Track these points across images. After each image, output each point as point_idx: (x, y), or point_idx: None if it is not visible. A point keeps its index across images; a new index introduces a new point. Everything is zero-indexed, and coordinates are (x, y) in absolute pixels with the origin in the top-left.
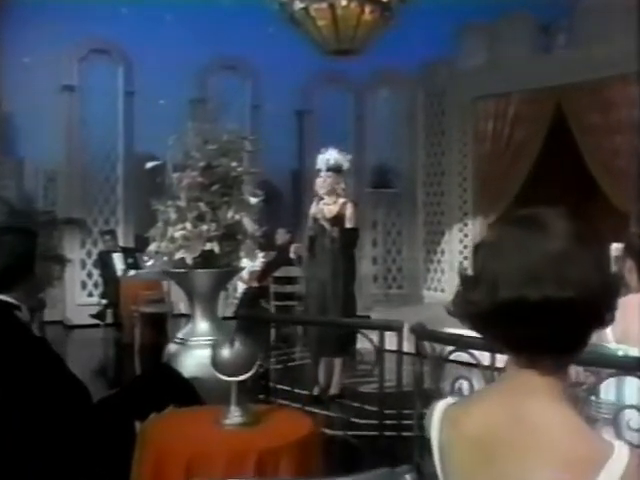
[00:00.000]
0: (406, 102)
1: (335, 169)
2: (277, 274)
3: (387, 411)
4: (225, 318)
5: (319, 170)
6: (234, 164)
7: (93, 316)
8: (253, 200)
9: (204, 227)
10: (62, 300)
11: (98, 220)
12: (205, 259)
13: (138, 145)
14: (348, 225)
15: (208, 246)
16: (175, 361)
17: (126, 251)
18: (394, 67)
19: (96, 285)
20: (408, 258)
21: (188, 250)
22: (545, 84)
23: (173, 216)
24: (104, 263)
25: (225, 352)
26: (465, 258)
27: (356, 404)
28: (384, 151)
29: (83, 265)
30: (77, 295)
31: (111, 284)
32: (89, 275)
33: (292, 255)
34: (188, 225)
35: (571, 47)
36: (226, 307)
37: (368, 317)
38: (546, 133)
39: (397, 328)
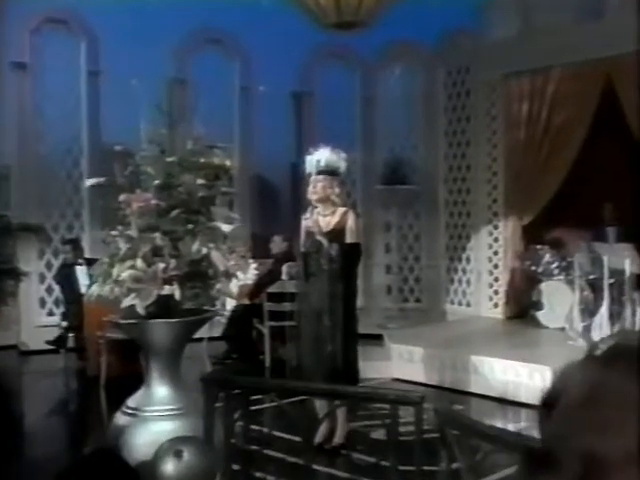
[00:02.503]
0: (423, 82)
1: (328, 172)
2: (272, 289)
3: (403, 467)
4: (213, 339)
5: (309, 174)
6: (200, 181)
7: (50, 342)
8: (226, 228)
9: (161, 265)
10: (17, 321)
11: (59, 226)
12: (163, 306)
13: (106, 135)
14: (349, 239)
15: (167, 290)
16: (124, 438)
17: (92, 263)
18: (409, 40)
19: (57, 303)
20: (427, 266)
21: (140, 295)
22: (592, 56)
23: (122, 249)
24: (65, 278)
25: (169, 467)
26: (495, 267)
27: (366, 456)
28: (398, 140)
29: (42, 279)
30: (34, 315)
31: (73, 303)
32: (49, 291)
33: (284, 276)
34: (139, 262)
35: (625, 11)
36: (212, 326)
37: (379, 337)
38: (593, 115)
39: (415, 402)
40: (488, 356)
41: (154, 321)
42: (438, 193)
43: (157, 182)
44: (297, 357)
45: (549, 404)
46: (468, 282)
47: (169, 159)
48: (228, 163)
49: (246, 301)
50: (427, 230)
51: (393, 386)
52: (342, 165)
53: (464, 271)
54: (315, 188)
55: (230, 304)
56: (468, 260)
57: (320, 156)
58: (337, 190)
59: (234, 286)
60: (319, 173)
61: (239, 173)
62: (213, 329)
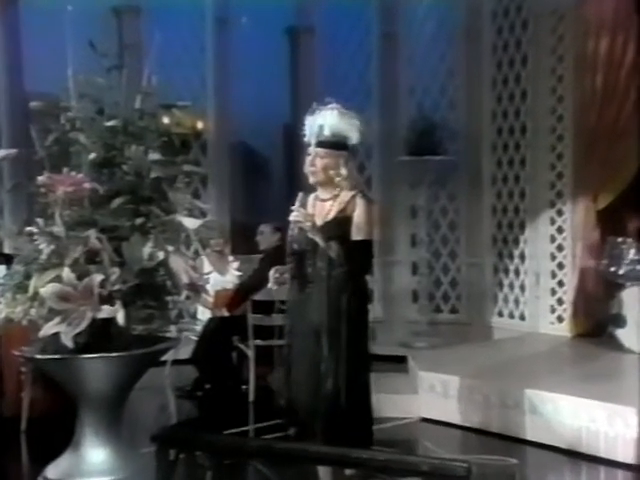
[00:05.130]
0: (463, 12)
1: (332, 144)
2: (259, 297)
3: None
4: (179, 362)
5: (307, 144)
6: (154, 156)
7: None
8: (191, 223)
9: (97, 277)
10: None
11: None
12: (100, 335)
13: (31, 85)
14: (357, 236)
15: (105, 311)
16: None
17: (11, 260)
18: None
19: None
20: (467, 265)
21: (67, 319)
22: None
23: (42, 253)
24: None
25: None
26: (559, 266)
27: None
28: (428, 94)
29: None
30: None
31: None
32: None
33: (272, 285)
34: (67, 273)
35: None
36: (181, 346)
37: (403, 360)
38: None
39: (460, 477)
40: (551, 391)
41: (87, 356)
42: (482, 166)
43: (92, 156)
44: (288, 393)
45: None
46: (522, 287)
47: (109, 123)
48: (199, 126)
49: (224, 312)
50: (467, 216)
51: (421, 430)
52: (354, 135)
53: (517, 272)
54: (314, 165)
55: (203, 315)
56: (522, 257)
57: (324, 120)
58: (344, 171)
59: (210, 287)
60: (320, 144)
61: (214, 140)
62: (179, 349)
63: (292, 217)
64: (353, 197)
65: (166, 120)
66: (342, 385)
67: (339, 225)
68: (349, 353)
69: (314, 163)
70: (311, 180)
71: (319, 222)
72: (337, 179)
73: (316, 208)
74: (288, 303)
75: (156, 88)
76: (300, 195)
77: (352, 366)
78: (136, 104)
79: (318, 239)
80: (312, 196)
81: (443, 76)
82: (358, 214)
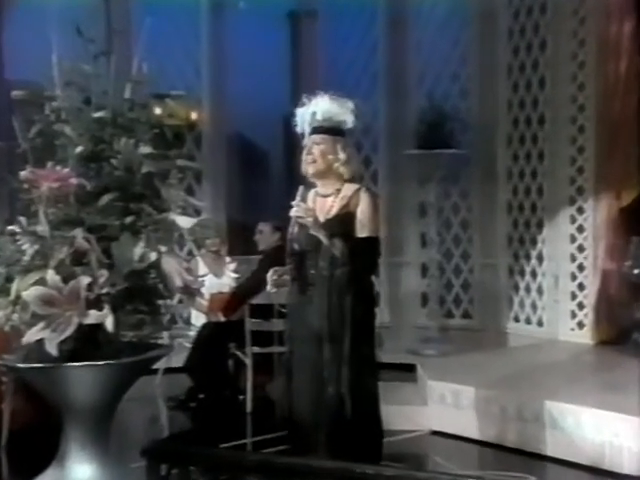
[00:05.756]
0: None
1: (327, 129)
2: (258, 300)
3: None
4: (171, 371)
5: (302, 135)
6: (146, 150)
7: None
8: (185, 222)
9: (85, 280)
10: None
11: None
12: (87, 342)
13: (12, 69)
14: (361, 233)
15: (93, 316)
16: None
17: None
18: None
19: None
20: (481, 267)
21: (51, 325)
22: None
23: (25, 254)
24: None
25: None
26: (580, 268)
27: None
28: (439, 82)
29: None
30: None
31: None
32: None
33: (270, 288)
34: (51, 275)
35: None
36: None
37: (411, 368)
38: None
39: None
40: (572, 403)
41: (73, 365)
42: (497, 160)
43: (79, 150)
44: (288, 403)
45: None
46: (540, 290)
47: (97, 114)
48: (194, 117)
49: (220, 317)
50: (480, 214)
51: (431, 444)
52: (348, 118)
53: (534, 274)
54: (311, 154)
55: (197, 320)
56: (540, 258)
57: (316, 107)
58: (342, 155)
59: (205, 291)
60: (315, 131)
61: (210, 133)
62: (172, 357)
63: (292, 212)
64: (356, 191)
65: (158, 111)
66: (346, 394)
67: (342, 222)
68: (353, 359)
69: (311, 151)
70: (310, 171)
71: (321, 219)
72: (336, 165)
73: (317, 204)
74: (288, 307)
75: (147, 76)
76: (300, 189)
77: (357, 373)
78: (126, 94)
79: (321, 236)
80: (312, 192)
81: (455, 63)
82: (362, 209)
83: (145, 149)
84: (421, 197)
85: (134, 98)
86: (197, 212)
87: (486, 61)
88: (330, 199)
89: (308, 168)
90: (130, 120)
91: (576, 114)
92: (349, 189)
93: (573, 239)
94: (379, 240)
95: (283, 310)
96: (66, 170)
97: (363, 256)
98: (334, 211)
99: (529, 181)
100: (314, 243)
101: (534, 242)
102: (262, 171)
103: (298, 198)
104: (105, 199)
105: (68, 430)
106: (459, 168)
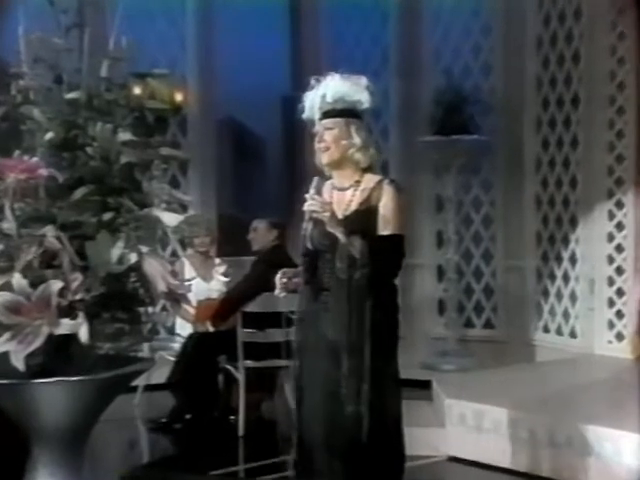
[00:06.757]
0: None
1: (340, 111)
2: (251, 307)
3: None
4: (152, 388)
5: (310, 122)
6: (125, 136)
7: None
8: (170, 219)
9: (56, 284)
10: None
11: None
12: (59, 355)
13: None
14: (384, 230)
15: (64, 326)
16: None
17: None
18: None
19: None
20: (506, 270)
21: (18, 336)
22: None
23: None
24: None
25: None
26: (618, 271)
27: None
28: (458, 58)
29: None
30: None
31: None
32: None
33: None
34: (18, 279)
35: None
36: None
37: (426, 385)
38: None
39: None
40: (611, 427)
41: (42, 381)
42: (524, 147)
43: (49, 136)
44: (298, 423)
45: None
46: (573, 297)
47: (70, 95)
48: (179, 99)
49: (208, 327)
50: (505, 210)
51: (449, 471)
52: (363, 97)
53: (566, 278)
54: (323, 141)
55: (183, 330)
56: (573, 260)
57: (326, 88)
58: (357, 140)
59: (192, 296)
60: (326, 115)
61: (197, 117)
62: (153, 372)
63: (306, 206)
64: (378, 183)
65: (138, 91)
66: (365, 414)
67: (362, 218)
68: (374, 375)
69: (323, 138)
70: (325, 161)
71: (338, 215)
72: (351, 151)
73: (334, 199)
74: (299, 314)
75: (126, 52)
76: (315, 180)
77: (378, 391)
78: (102, 72)
79: (338, 233)
80: (328, 184)
81: (476, 35)
82: (385, 204)
83: (124, 136)
84: (437, 190)
85: (111, 77)
86: (183, 207)
87: (512, 32)
88: (349, 192)
89: (322, 158)
90: (107, 102)
91: (615, 94)
92: (370, 181)
93: (611, 238)
94: (404, 239)
95: (292, 316)
96: (34, 159)
97: (386, 256)
98: (353, 206)
99: (560, 171)
100: (330, 241)
101: (566, 241)
102: (257, 160)
103: (312, 190)
104: (79, 193)
105: (36, 455)
106: (481, 157)
